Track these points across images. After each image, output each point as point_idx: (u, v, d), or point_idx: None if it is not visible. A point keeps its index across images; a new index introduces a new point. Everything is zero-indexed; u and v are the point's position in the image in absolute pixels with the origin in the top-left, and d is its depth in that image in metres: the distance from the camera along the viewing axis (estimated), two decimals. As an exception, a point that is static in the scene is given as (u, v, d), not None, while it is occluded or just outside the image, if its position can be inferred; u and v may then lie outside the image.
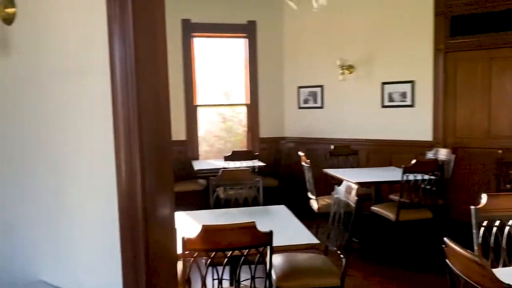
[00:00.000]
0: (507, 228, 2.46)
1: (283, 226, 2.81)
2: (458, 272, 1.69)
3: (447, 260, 1.80)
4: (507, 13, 4.93)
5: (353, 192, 2.79)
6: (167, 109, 1.70)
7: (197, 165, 5.76)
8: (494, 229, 2.45)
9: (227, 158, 5.35)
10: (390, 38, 5.69)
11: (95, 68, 1.49)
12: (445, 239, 1.76)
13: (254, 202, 3.58)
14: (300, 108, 6.57)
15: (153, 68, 1.61)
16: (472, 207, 2.48)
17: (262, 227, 2.08)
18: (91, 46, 1.51)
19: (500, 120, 5.10)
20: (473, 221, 2.46)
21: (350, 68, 5.91)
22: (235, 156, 5.39)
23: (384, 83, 5.77)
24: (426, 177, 4.19)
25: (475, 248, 2.43)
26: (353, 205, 2.77)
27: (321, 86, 6.32)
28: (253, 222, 2.05)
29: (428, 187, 4.33)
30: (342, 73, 5.85)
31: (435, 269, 4.05)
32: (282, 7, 6.50)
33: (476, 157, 5.22)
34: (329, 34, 6.18)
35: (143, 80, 1.56)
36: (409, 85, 5.59)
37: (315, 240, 2.52)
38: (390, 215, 4.24)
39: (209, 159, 6.43)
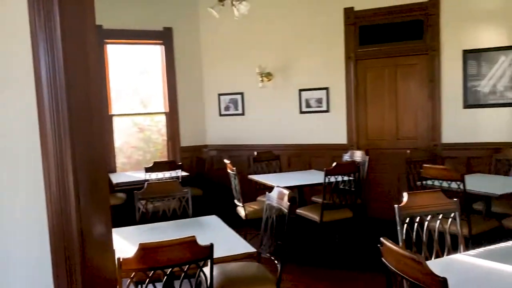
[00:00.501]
0: (426, 223, 2.67)
1: (218, 237, 2.76)
2: (394, 270, 1.78)
3: (383, 259, 1.89)
4: (409, 24, 5.39)
5: (285, 198, 2.83)
6: (99, 120, 1.59)
7: (115, 178, 5.48)
8: (415, 224, 2.64)
9: (148, 170, 5.15)
10: (305, 47, 5.92)
11: (19, 80, 1.34)
12: (381, 239, 1.85)
13: (182, 214, 3.48)
14: (222, 115, 6.56)
15: (85, 78, 1.48)
16: (396, 205, 2.64)
17: (198, 240, 2.02)
18: (12, 58, 1.35)
19: (406, 122, 5.55)
20: (397, 218, 2.62)
21: (268, 75, 6.03)
22: (157, 167, 5.21)
23: (301, 90, 5.98)
24: (346, 178, 4.41)
25: (400, 244, 2.60)
26: (285, 210, 2.81)
27: (241, 93, 6.38)
28: (194, 236, 1.98)
29: (347, 188, 4.57)
30: (262, 80, 5.96)
31: (364, 266, 4.27)
32: (199, 14, 6.46)
33: (387, 157, 5.61)
34: (247, 42, 6.27)
35: (74, 93, 1.44)
36: (324, 91, 5.86)
37: (251, 249, 2.51)
38: (315, 216, 4.38)
39: (127, 171, 6.15)
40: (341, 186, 4.50)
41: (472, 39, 5.10)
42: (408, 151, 4.97)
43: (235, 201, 4.79)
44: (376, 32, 5.58)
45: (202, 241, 2.03)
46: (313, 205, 4.81)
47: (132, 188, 4.93)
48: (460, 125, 5.22)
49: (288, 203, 2.79)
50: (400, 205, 2.64)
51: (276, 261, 2.92)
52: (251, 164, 5.69)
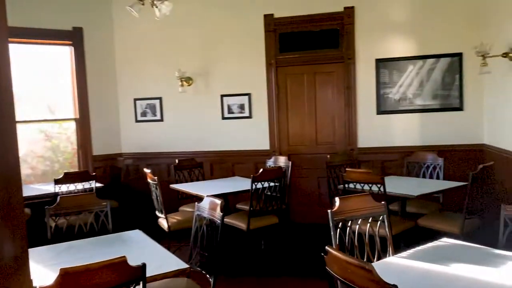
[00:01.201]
0: (357, 227, 2.71)
1: (146, 254, 2.54)
2: (340, 279, 1.74)
3: (327, 268, 1.85)
4: (326, 33, 5.57)
5: (218, 208, 2.70)
6: (11, 127, 1.33)
7: (19, 192, 4.89)
8: (348, 229, 2.67)
9: (58, 181, 4.68)
10: (227, 52, 5.85)
11: None
12: (327, 247, 1.80)
13: (101, 229, 3.18)
14: (138, 121, 6.22)
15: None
16: (329, 210, 2.64)
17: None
18: None
19: (325, 128, 5.72)
20: (330, 223, 2.62)
21: (189, 80, 5.85)
22: (67, 178, 4.76)
23: (223, 95, 5.89)
24: (272, 184, 4.39)
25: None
26: (218, 221, 2.68)
27: (159, 98, 6.11)
28: (124, 257, 1.77)
29: (272, 193, 4.55)
30: (182, 85, 5.76)
31: (293, 272, 4.26)
32: (112, 13, 6.08)
33: (307, 162, 5.73)
34: (166, 45, 6.03)
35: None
36: (246, 97, 5.82)
37: (184, 265, 2.34)
38: (242, 224, 4.30)
39: (32, 184, 5.55)
40: (266, 192, 4.47)
41: (384, 48, 5.40)
42: (328, 156, 5.10)
43: (157, 212, 4.53)
44: (295, 40, 5.68)
45: (130, 260, 1.83)
46: (239, 212, 4.72)
47: (39, 202, 4.45)
48: (374, 130, 5.50)
49: (221, 213, 2.67)
50: (333, 210, 2.65)
51: (208, 275, 2.77)
52: (171, 173, 5.45)
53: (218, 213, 2.68)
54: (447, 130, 5.29)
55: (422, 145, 5.29)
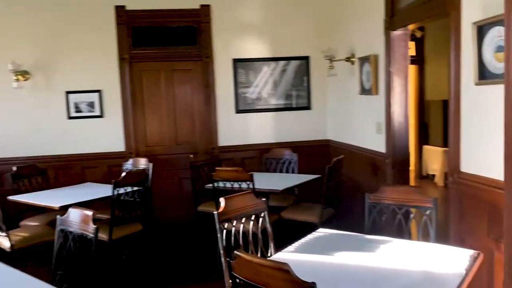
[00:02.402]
0: (241, 226, 2.68)
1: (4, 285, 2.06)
2: (252, 283, 1.67)
3: (234, 273, 1.76)
4: (184, 29, 5.43)
5: (90, 220, 2.36)
6: None
7: None
8: (233, 229, 2.61)
9: None
10: (73, 45, 5.22)
11: None
12: (236, 252, 1.71)
13: None
14: (-43, 123, 5.12)
15: None
16: (215, 212, 2.54)
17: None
18: None
19: (184, 127, 5.58)
20: (217, 225, 2.53)
21: (25, 74, 5.05)
22: None
23: (68, 92, 5.25)
24: (135, 188, 4.08)
25: (221, 251, 2.52)
26: (91, 235, 2.34)
27: (-13, 95, 5.13)
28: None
29: (133, 199, 4.23)
30: (17, 80, 4.93)
31: (164, 280, 4.02)
32: None
33: (167, 163, 5.51)
34: (-5, 32, 5.09)
35: None
36: (96, 94, 5.30)
37: (55, 291, 1.97)
38: (103, 235, 3.88)
39: None
40: (126, 198, 4.13)
41: (240, 49, 5.53)
42: (192, 156, 4.99)
43: (-6, 230, 3.78)
44: (150, 35, 5.41)
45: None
46: (97, 222, 4.25)
47: None
48: (234, 129, 5.59)
49: (94, 226, 2.34)
50: (219, 211, 2.56)
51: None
52: (8, 182, 4.64)
53: (91, 226, 2.34)
54: (298, 127, 5.69)
55: (278, 142, 5.58)
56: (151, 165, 4.77)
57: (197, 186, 4.81)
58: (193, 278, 4.09)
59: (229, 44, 5.50)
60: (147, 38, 5.40)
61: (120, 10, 5.29)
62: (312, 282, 1.50)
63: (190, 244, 4.93)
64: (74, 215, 2.46)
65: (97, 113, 5.33)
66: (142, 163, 4.82)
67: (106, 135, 5.37)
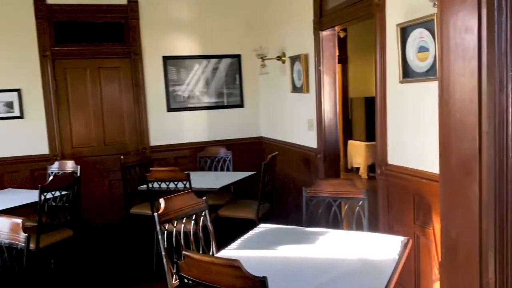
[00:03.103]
0: (182, 226, 2.65)
1: None
2: (202, 282, 1.67)
3: (182, 274, 1.74)
4: (110, 25, 5.22)
5: (20, 229, 2.20)
6: None
7: None
8: (174, 229, 2.58)
9: None
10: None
11: None
12: (184, 252, 1.69)
13: None
14: None
15: None
16: (155, 213, 2.49)
17: None
18: None
19: (113, 127, 5.37)
20: (157, 227, 2.48)
21: None
22: None
23: (-18, 92, 4.83)
24: (64, 192, 3.86)
25: (163, 253, 2.47)
26: (22, 244, 2.19)
27: None
28: None
29: (66, 204, 4.00)
30: None
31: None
32: None
33: (97, 165, 5.28)
34: None
35: None
36: (15, 93, 4.92)
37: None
38: (30, 244, 3.62)
39: None
40: (54, 203, 3.90)
41: (171, 46, 5.43)
42: (122, 157, 4.80)
43: None
44: (74, 30, 5.13)
45: None
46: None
47: None
48: (166, 128, 5.48)
49: (26, 234, 2.19)
50: (159, 213, 2.51)
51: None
52: None
53: (21, 235, 2.18)
54: (231, 125, 5.72)
55: (211, 140, 5.57)
56: (78, 167, 4.53)
57: (129, 188, 4.66)
58: (130, 282, 3.97)
59: (159, 41, 5.38)
60: (71, 34, 5.12)
61: (39, 4, 4.95)
62: (263, 277, 1.54)
63: (125, 248, 4.78)
64: (2, 223, 2.28)
65: (16, 113, 4.96)
66: (69, 165, 4.57)
67: (27, 137, 5.01)
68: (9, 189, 4.56)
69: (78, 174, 4.47)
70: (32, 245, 3.61)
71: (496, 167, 1.18)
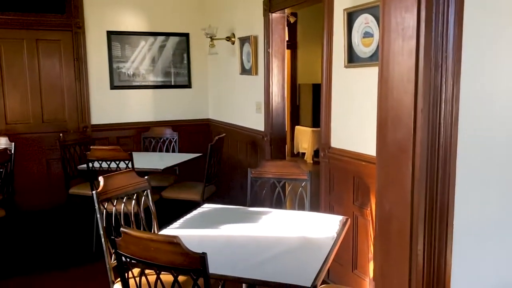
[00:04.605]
0: (122, 205, 2.57)
1: None
2: (140, 259, 1.63)
3: (120, 251, 1.69)
4: (50, -5, 4.91)
5: None
6: None
7: None
8: (113, 208, 2.50)
9: None
10: None
11: None
12: (122, 229, 1.64)
13: None
14: None
15: None
16: (93, 192, 2.40)
17: None
18: None
19: (52, 103, 5.09)
20: (96, 205, 2.39)
21: None
22: None
23: None
24: (-5, 171, 3.63)
25: (101, 232, 2.39)
26: None
27: None
28: None
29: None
30: None
31: (31, 268, 3.66)
32: None
33: (34, 143, 5.00)
34: None
35: None
36: None
37: None
38: (-45, 225, 3.39)
39: None
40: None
41: (116, 20, 5.20)
42: (61, 135, 4.58)
43: None
44: (9, -2, 4.77)
45: None
46: None
47: None
48: (109, 106, 5.28)
49: None
50: (98, 191, 2.42)
51: None
52: None
53: None
54: (178, 106, 5.61)
55: (157, 121, 5.44)
56: (13, 144, 4.27)
57: (68, 168, 4.46)
58: (68, 263, 3.82)
59: (104, 14, 5.14)
60: (5, 2, 4.75)
61: (-32, -34, 4.56)
62: (203, 253, 1.53)
63: (63, 229, 4.58)
64: None
65: None
66: (2, 142, 4.29)
67: (-46, 111, 4.64)
68: None
69: (13, 152, 4.22)
70: (-42, 226, 3.39)
71: (429, 144, 1.23)
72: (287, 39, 6.35)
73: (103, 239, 2.38)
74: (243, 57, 4.64)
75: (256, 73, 4.41)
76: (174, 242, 1.53)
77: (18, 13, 4.80)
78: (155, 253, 1.58)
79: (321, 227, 2.31)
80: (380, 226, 1.43)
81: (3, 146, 4.21)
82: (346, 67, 2.96)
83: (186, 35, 5.55)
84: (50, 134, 4.95)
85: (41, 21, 4.89)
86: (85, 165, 3.92)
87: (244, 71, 4.68)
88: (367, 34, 2.70)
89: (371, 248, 2.84)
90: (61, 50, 5.04)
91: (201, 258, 1.52)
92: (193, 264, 1.54)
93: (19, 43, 4.87)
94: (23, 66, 4.91)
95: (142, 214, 2.67)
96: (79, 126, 5.16)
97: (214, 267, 1.69)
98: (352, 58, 2.89)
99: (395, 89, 1.25)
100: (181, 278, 1.65)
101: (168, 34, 5.48)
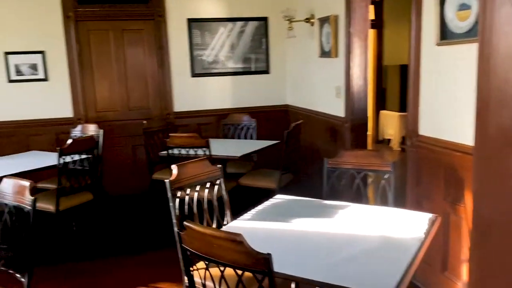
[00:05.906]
0: (195, 194, 2.54)
1: None
2: (204, 256, 1.55)
3: (184, 245, 1.62)
4: (134, -14, 5.05)
5: (27, 191, 2.14)
6: None
7: None
8: (187, 197, 2.47)
9: None
10: (9, 1, 4.74)
11: None
12: (185, 223, 1.57)
13: None
14: None
15: None
16: (166, 180, 2.39)
17: None
18: None
19: (137, 91, 5.29)
20: (169, 194, 2.38)
21: (-45, 32, 4.56)
22: None
23: (8, 53, 4.81)
24: (84, 156, 3.84)
25: (174, 221, 2.38)
26: (29, 207, 2.13)
27: None
28: None
29: (82, 167, 3.98)
30: None
31: (116, 251, 3.86)
32: None
33: (120, 130, 5.24)
34: None
35: None
36: (39, 55, 4.89)
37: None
38: (50, 206, 3.64)
39: None
40: (74, 166, 3.89)
41: (195, 8, 5.23)
42: (145, 122, 4.73)
43: None
44: (97, -9, 5.00)
45: None
46: (44, 193, 3.99)
47: None
48: (189, 94, 5.36)
49: (32, 198, 2.12)
50: (171, 179, 2.40)
51: (18, 275, 2.21)
52: None
53: (27, 198, 2.12)
54: (256, 92, 5.53)
55: (235, 107, 5.41)
56: (101, 131, 4.49)
57: (151, 154, 4.60)
58: (148, 246, 3.95)
59: (183, 2, 5.18)
60: (93, -5, 5.00)
61: (62, -37, 4.83)
62: (267, 254, 1.40)
63: (145, 213, 4.76)
64: (8, 185, 2.23)
65: (41, 76, 4.94)
66: (92, 129, 4.53)
67: (51, 100, 5.01)
68: (33, 151, 4.59)
69: (101, 139, 4.44)
70: (52, 207, 3.64)
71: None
72: (372, 17, 5.91)
73: (176, 228, 2.37)
74: (323, 39, 4.40)
75: (336, 55, 4.15)
76: (237, 240, 1.42)
77: (105, 5, 5.01)
78: (218, 250, 1.49)
79: (406, 226, 2.06)
80: (476, 235, 1.19)
81: (92, 133, 4.45)
82: (438, 44, 2.62)
83: (265, 19, 5.42)
84: (135, 121, 5.14)
85: (125, 12, 5.07)
86: (165, 152, 4.01)
87: (323, 53, 4.44)
88: (464, 6, 2.35)
89: (465, 249, 2.51)
90: (144, 39, 5.19)
91: (265, 260, 1.40)
92: (257, 264, 1.42)
93: (106, 34, 5.10)
94: (110, 56, 5.14)
95: (216, 203, 2.62)
96: (162, 113, 5.30)
97: (282, 266, 1.57)
98: (445, 35, 2.54)
99: (500, 66, 1.00)
100: (247, 273, 1.54)
101: (247, 19, 5.39)
